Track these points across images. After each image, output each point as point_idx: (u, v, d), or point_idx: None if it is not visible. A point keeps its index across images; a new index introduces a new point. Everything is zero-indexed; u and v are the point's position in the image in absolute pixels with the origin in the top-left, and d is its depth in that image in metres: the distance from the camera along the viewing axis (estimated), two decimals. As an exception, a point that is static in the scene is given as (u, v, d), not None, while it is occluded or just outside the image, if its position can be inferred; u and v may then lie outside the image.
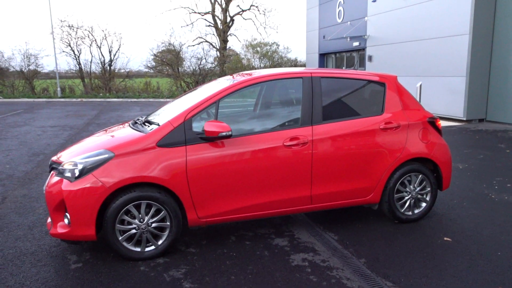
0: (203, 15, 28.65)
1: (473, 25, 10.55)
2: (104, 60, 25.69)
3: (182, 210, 3.43)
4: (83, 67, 25.77)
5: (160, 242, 3.37)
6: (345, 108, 3.96)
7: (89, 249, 3.57)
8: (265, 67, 25.62)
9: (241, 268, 3.22)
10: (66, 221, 3.27)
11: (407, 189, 4.05)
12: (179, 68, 26.39)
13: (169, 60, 26.39)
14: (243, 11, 28.34)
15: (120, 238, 3.26)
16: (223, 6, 28.23)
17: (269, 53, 26.30)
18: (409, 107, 4.13)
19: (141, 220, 3.29)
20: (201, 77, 26.25)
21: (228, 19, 28.37)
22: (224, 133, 3.30)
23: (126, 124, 4.20)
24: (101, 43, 26.33)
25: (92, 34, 25.53)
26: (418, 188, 4.08)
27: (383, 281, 3.01)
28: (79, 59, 25.50)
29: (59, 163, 3.48)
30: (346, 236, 3.82)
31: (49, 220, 3.57)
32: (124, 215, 3.25)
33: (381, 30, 14.57)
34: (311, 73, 3.86)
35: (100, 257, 3.41)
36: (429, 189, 4.12)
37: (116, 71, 26.22)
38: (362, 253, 3.48)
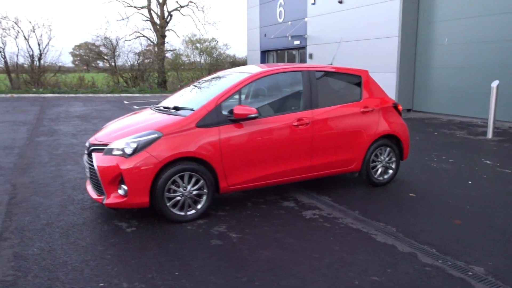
0: (139, 9, 28.20)
1: (401, 29, 12.32)
2: (33, 54, 24.22)
3: (215, 179, 4.15)
4: (8, 61, 24.03)
5: (199, 207, 4.06)
6: (334, 96, 4.94)
7: (134, 217, 4.12)
8: (205, 62, 26.12)
9: (269, 222, 4.04)
10: (121, 192, 3.82)
11: (379, 159, 5.16)
12: (116, 63, 25.84)
13: (105, 54, 25.70)
14: (181, 7, 28.40)
15: (168, 204, 3.89)
16: (160, 1, 28.07)
17: (208, 49, 26.82)
18: (378, 95, 5.24)
19: (185, 188, 3.95)
20: (140, 72, 25.96)
21: (166, 14, 28.28)
22: (252, 115, 4.09)
23: (146, 111, 4.77)
24: (28, 36, 24.65)
25: (18, 26, 23.96)
26: (387, 158, 5.21)
27: (377, 223, 4.04)
28: (4, 52, 23.75)
29: (104, 144, 4.00)
30: (337, 198, 4.81)
31: (94, 195, 4.07)
32: (171, 184, 3.88)
33: (321, 30, 16.02)
34: (307, 67, 4.77)
35: (148, 222, 4.01)
36: (394, 159, 5.27)
37: (46, 65, 24.86)
38: (354, 207, 4.48)
